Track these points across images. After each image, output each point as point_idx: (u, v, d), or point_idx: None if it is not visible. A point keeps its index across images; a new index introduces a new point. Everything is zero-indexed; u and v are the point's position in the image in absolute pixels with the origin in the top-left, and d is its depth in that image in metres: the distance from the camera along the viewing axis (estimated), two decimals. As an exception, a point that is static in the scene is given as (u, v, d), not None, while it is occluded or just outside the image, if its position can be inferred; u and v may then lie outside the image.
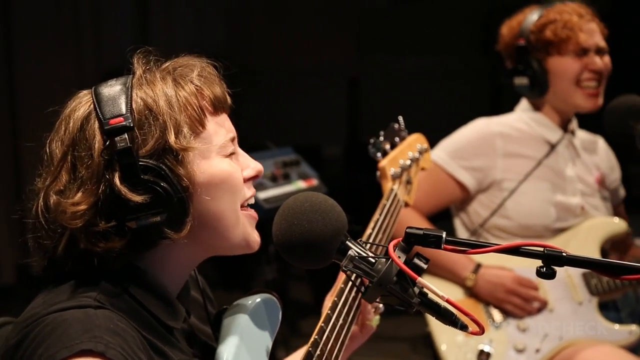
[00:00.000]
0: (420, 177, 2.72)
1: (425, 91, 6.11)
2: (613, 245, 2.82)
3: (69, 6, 5.56)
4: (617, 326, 2.63)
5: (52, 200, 1.29)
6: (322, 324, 1.49)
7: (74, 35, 5.58)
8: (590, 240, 2.70)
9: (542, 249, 1.31)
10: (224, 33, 6.61)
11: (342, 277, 1.66)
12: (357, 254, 1.36)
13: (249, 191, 1.43)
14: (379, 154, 2.00)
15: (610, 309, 2.71)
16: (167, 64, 1.40)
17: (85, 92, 1.39)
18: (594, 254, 2.66)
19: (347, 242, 1.37)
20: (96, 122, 1.30)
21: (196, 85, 1.37)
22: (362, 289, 1.36)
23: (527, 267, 2.60)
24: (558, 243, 2.67)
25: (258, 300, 1.45)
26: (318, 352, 1.43)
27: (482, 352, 2.56)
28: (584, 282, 2.66)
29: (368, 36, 6.33)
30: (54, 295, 1.25)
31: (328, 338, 1.48)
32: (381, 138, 2.03)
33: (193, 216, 1.32)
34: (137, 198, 1.25)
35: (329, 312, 1.53)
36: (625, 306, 2.76)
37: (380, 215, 1.84)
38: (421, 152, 2.19)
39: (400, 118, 2.14)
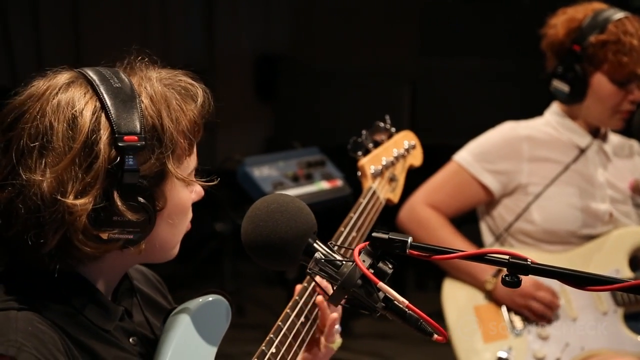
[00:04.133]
0: (444, 179, 2.71)
1: (481, 93, 6.00)
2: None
3: (137, 5, 5.71)
4: (641, 338, 2.56)
5: (48, 197, 1.21)
6: (280, 323, 1.50)
7: (139, 35, 5.71)
8: (618, 250, 2.62)
9: (506, 257, 1.29)
10: (288, 33, 6.65)
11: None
12: (322, 257, 1.35)
13: (191, 213, 1.42)
14: (359, 153, 1.98)
15: (637, 320, 2.62)
16: (168, 77, 1.35)
17: (75, 76, 1.29)
18: (622, 263, 2.60)
19: (314, 244, 1.36)
20: (107, 131, 1.23)
21: (196, 113, 1.34)
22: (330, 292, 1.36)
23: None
24: (584, 252, 2.61)
25: (206, 300, 1.44)
26: (273, 349, 1.43)
27: (500, 359, 2.51)
28: (611, 291, 2.58)
29: (428, 37, 6.26)
30: None
31: (285, 336, 1.49)
32: (363, 137, 2.00)
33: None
34: (132, 217, 1.24)
35: (287, 310, 1.54)
36: (653, 318, 2.68)
37: (354, 213, 1.81)
38: (408, 149, 2.14)
39: (387, 117, 2.11)
